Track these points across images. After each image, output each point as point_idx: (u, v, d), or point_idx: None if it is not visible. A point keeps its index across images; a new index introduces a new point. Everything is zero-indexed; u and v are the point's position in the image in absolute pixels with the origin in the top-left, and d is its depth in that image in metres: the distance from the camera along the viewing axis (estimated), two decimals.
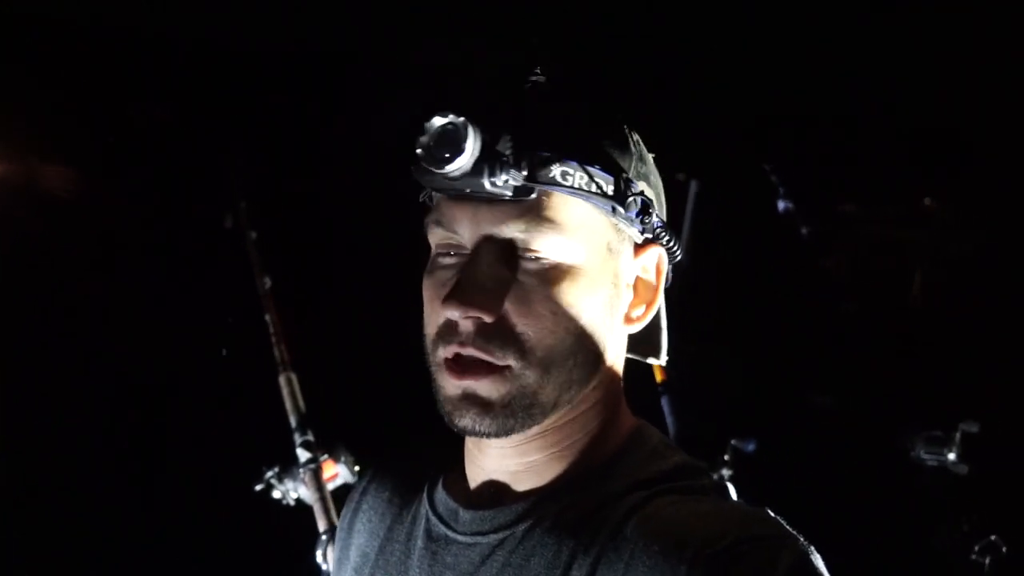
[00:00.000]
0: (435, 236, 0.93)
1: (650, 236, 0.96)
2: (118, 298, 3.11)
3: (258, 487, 2.27)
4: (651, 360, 1.08)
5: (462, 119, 0.84)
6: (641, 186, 0.94)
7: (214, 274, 2.93)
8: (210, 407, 3.00)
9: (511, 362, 0.88)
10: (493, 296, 0.88)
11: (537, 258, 0.89)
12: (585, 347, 0.91)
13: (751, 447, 2.37)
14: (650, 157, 0.99)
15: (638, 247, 0.96)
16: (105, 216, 3.20)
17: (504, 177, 0.85)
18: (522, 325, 0.88)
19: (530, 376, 0.89)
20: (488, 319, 0.88)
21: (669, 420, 2.45)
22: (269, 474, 2.26)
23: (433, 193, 0.94)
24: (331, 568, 1.15)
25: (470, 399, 0.89)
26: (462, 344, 0.89)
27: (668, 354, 1.07)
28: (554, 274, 0.89)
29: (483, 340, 0.88)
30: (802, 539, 0.83)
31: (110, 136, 3.24)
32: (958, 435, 2.46)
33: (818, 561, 0.82)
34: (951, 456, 2.46)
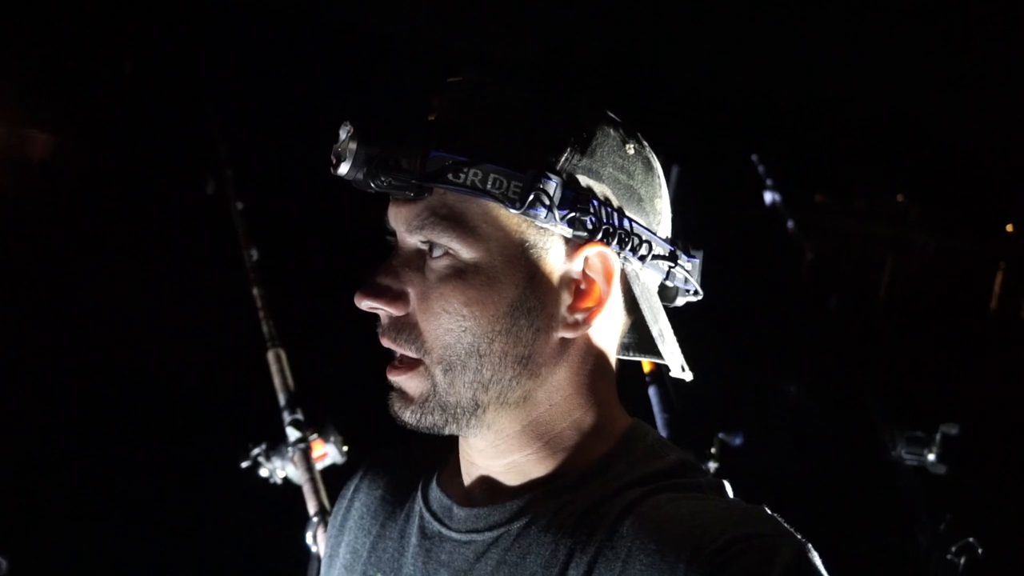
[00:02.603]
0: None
1: (583, 234, 0.91)
2: (98, 268, 3.02)
3: (244, 464, 2.22)
4: (674, 368, 1.04)
5: (349, 127, 0.89)
6: (585, 181, 0.91)
7: (199, 245, 2.87)
8: (196, 382, 2.95)
9: (420, 356, 0.93)
10: (395, 291, 0.92)
11: (439, 256, 0.91)
12: (493, 346, 0.91)
13: (738, 441, 2.38)
14: (615, 155, 0.94)
15: (579, 245, 0.93)
16: (81, 182, 3.10)
17: (387, 178, 0.88)
18: (423, 322, 0.92)
19: (437, 374, 0.92)
20: (394, 312, 0.93)
21: (656, 412, 2.44)
22: (256, 451, 2.21)
23: None
24: (321, 560, 1.13)
25: (396, 391, 0.95)
26: (381, 334, 0.94)
27: (671, 355, 1.00)
28: (450, 272, 0.91)
29: (393, 332, 0.93)
30: (800, 537, 0.83)
31: (85, 95, 3.13)
32: (938, 436, 2.52)
33: (815, 559, 0.82)
34: (931, 457, 2.51)
